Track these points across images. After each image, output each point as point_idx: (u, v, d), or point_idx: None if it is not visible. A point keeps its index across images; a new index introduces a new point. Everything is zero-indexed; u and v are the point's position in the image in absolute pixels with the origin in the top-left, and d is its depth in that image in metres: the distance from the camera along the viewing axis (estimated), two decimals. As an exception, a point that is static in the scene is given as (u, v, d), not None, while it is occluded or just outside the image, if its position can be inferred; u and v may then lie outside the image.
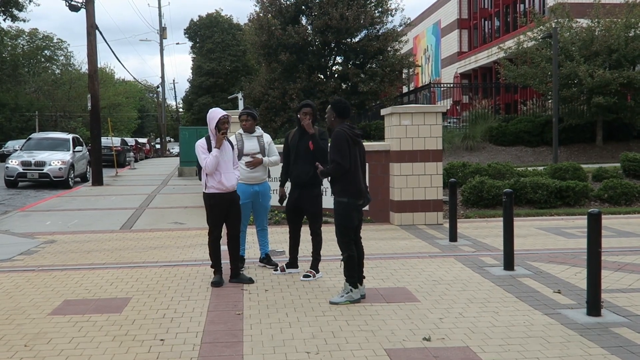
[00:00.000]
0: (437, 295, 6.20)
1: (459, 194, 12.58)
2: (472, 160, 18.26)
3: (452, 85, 38.09)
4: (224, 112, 6.69)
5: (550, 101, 23.91)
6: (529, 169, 15.23)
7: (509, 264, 7.17)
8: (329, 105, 6.31)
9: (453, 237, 9.08)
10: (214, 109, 6.84)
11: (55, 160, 20.39)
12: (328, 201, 11.51)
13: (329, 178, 6.18)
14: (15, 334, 5.17)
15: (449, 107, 33.60)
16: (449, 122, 28.61)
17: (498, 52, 30.70)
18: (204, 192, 6.78)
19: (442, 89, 39.90)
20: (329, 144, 6.22)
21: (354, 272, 6.02)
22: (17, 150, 25.28)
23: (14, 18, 38.65)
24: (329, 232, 8.96)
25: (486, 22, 46.00)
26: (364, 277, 6.25)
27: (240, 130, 7.42)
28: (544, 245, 8.81)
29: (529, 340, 4.86)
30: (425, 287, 6.49)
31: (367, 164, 11.09)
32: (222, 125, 6.61)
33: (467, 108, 30.24)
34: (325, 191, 11.46)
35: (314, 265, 7.07)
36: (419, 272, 7.22)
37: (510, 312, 5.59)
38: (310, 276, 6.91)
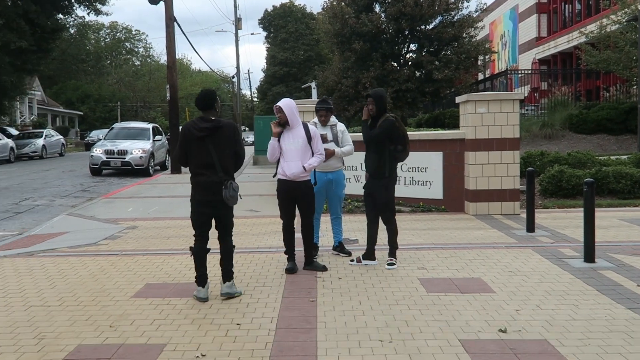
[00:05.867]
0: (514, 286, 6.08)
1: (537, 183, 12.25)
2: (551, 149, 17.69)
3: (530, 71, 36.94)
4: (278, 103, 6.70)
5: (634, 87, 22.87)
6: (611, 157, 14.67)
7: (589, 256, 6.94)
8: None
9: (530, 227, 8.86)
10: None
11: (136, 149, 21.09)
12: (400, 190, 11.46)
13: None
14: (100, 314, 5.42)
15: (526, 94, 32.67)
16: (527, 110, 27.83)
17: (579, 37, 29.58)
18: None
19: (519, 75, 38.74)
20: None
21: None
22: (100, 139, 26.26)
23: (98, 12, 39.91)
24: (402, 221, 8.92)
25: (566, 5, 44.32)
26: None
27: (315, 120, 7.48)
28: (627, 237, 8.47)
29: (611, 335, 4.70)
30: (501, 278, 6.38)
31: (441, 153, 11.05)
32: (277, 115, 6.71)
33: (545, 95, 29.27)
34: (402, 179, 11.40)
35: (392, 254, 7.05)
36: (494, 262, 7.09)
37: (591, 306, 5.42)
38: (394, 264, 6.92)
